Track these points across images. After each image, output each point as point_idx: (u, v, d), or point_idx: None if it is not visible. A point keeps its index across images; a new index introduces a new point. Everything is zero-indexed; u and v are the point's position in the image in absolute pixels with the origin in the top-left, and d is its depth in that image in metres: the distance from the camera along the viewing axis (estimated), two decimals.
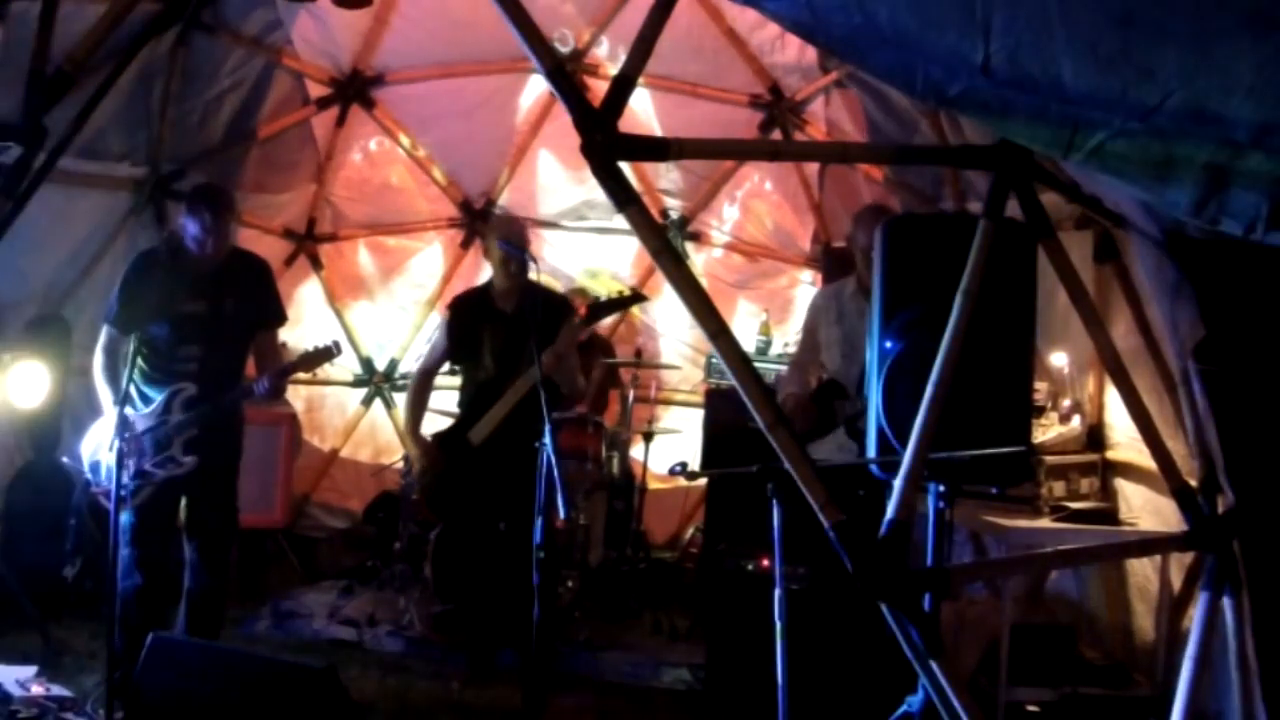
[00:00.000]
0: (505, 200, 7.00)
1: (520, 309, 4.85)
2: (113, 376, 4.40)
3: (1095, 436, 4.59)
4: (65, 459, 5.43)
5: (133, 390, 4.37)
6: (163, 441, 4.34)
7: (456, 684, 4.94)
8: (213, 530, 4.50)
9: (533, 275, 4.69)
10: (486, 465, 4.85)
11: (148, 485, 4.34)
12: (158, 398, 4.37)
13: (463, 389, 5.12)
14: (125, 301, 4.39)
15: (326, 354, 4.66)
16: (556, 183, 6.85)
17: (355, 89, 6.32)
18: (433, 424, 5.32)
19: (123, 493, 4.24)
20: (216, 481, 4.50)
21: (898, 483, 2.69)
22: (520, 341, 4.72)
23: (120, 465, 3.93)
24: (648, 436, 6.37)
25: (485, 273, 7.04)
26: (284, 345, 4.80)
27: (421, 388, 5.16)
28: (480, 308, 5.01)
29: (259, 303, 4.59)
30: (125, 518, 4.35)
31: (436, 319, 7.18)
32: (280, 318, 4.71)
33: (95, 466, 4.43)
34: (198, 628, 4.46)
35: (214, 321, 4.42)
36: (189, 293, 4.37)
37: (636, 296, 5.02)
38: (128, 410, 4.24)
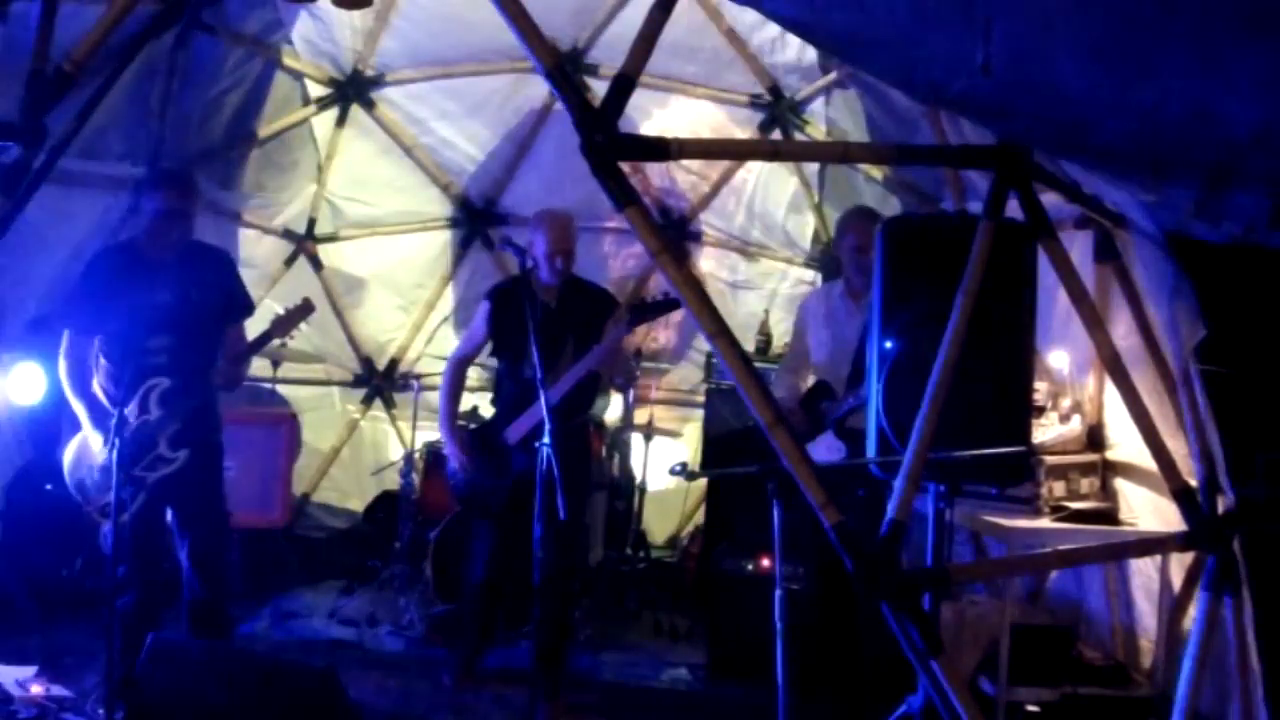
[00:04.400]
0: (505, 200, 7.00)
1: (561, 302, 4.79)
2: (83, 385, 4.27)
3: (1095, 436, 4.59)
4: (49, 486, 5.30)
5: (101, 395, 4.28)
6: (147, 442, 4.19)
7: (448, 682, 4.94)
8: (205, 534, 4.39)
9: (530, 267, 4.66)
10: (523, 465, 4.78)
11: (140, 492, 4.21)
12: (130, 398, 4.17)
13: (499, 384, 5.04)
14: (87, 300, 4.25)
15: (301, 313, 4.57)
16: (556, 183, 6.85)
17: (355, 89, 6.32)
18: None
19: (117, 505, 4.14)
20: (202, 482, 4.38)
21: (898, 482, 2.70)
22: (562, 336, 4.68)
23: (121, 466, 3.82)
24: (648, 436, 6.38)
25: (486, 273, 7.06)
26: (284, 346, 4.76)
27: (456, 378, 5.03)
28: (522, 299, 4.92)
29: (226, 294, 4.48)
30: (115, 530, 4.21)
31: (437, 319, 7.19)
32: (248, 309, 4.61)
33: (80, 484, 4.30)
34: (203, 629, 4.40)
35: (182, 310, 4.28)
36: (153, 282, 4.25)
37: (674, 302, 4.97)
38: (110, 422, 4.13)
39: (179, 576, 4.45)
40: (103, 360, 4.29)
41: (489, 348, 5.01)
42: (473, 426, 5.18)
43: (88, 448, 4.30)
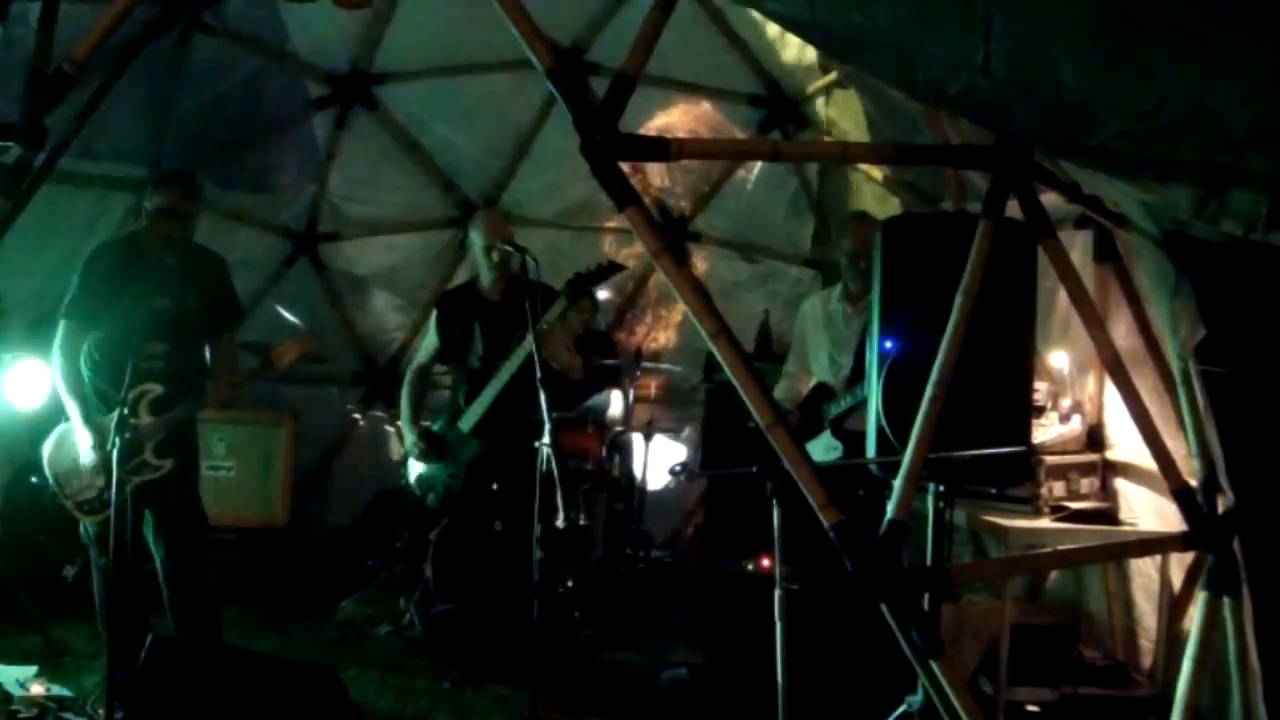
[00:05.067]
0: (505, 200, 7.00)
1: (506, 299, 4.87)
2: (73, 378, 4.26)
3: (1095, 436, 4.59)
4: (34, 479, 5.30)
5: (91, 392, 4.28)
6: (133, 446, 4.11)
7: (448, 684, 4.94)
8: (183, 532, 4.39)
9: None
10: (480, 457, 4.85)
11: (120, 495, 4.07)
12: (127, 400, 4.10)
13: (453, 385, 5.14)
14: (87, 294, 4.25)
15: (307, 347, 4.55)
16: (556, 183, 6.85)
17: (355, 89, 6.31)
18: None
19: (97, 503, 4.16)
20: (181, 484, 4.38)
21: (898, 483, 2.70)
22: (509, 328, 4.75)
23: (121, 464, 3.79)
24: (648, 436, 6.37)
25: None
26: (261, 354, 4.73)
27: (417, 384, 5.19)
28: (469, 301, 5.03)
29: (220, 301, 4.49)
30: (94, 529, 4.26)
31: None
32: (239, 317, 4.64)
33: (59, 478, 4.29)
34: (190, 631, 4.39)
35: (179, 318, 4.29)
36: (152, 287, 4.23)
37: (615, 266, 5.01)
38: (102, 419, 4.16)
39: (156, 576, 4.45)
40: (97, 357, 4.29)
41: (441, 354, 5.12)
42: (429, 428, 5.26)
43: (69, 441, 4.28)
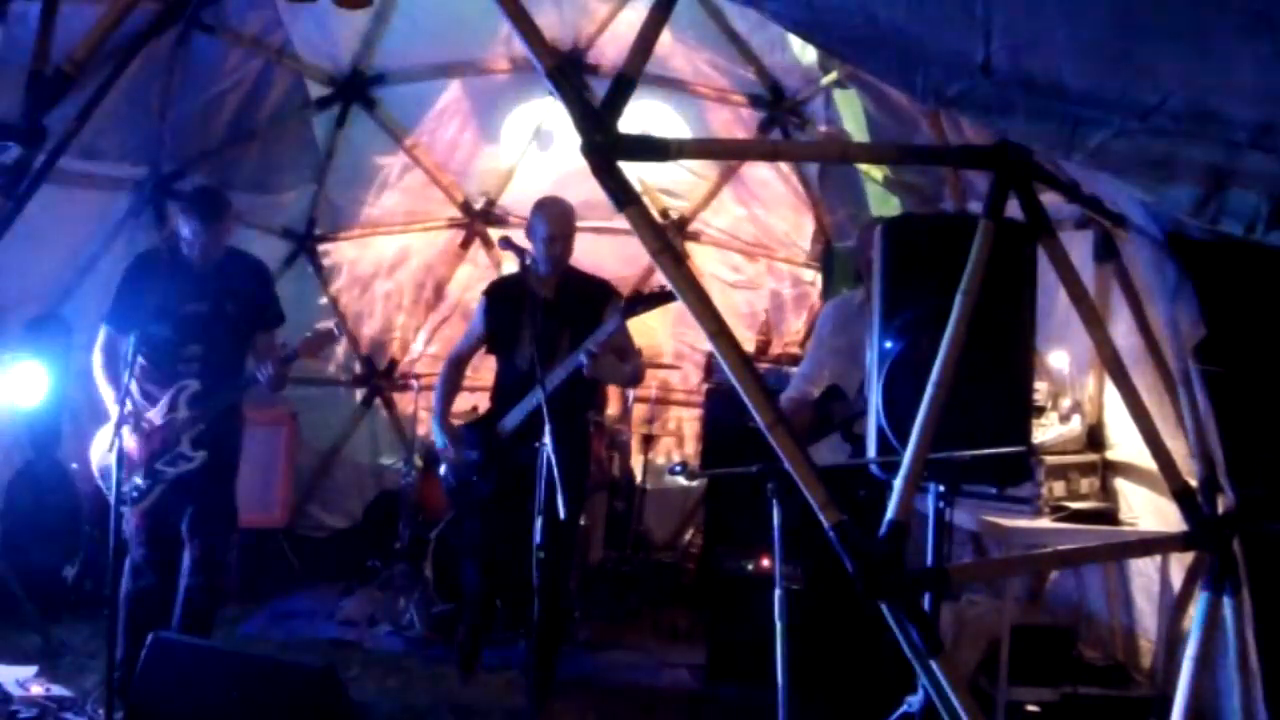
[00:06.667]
0: (505, 200, 7.00)
1: (559, 295, 4.77)
2: (114, 376, 4.42)
3: (1095, 436, 4.59)
4: (75, 465, 5.43)
5: (135, 390, 4.38)
6: (171, 439, 4.38)
7: (448, 684, 4.94)
8: (213, 530, 4.52)
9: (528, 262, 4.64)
10: (516, 456, 4.77)
11: (159, 485, 4.38)
12: (162, 396, 4.40)
13: (497, 377, 5.03)
14: (125, 301, 4.43)
15: (328, 337, 4.70)
16: (556, 183, 6.84)
17: (355, 89, 6.31)
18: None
19: (135, 494, 4.33)
20: (218, 480, 4.53)
21: (898, 483, 2.69)
22: (559, 330, 4.64)
23: (120, 465, 3.95)
24: (647, 438, 6.37)
25: (484, 272, 7.07)
26: (283, 345, 4.78)
27: (453, 375, 5.04)
28: (519, 293, 4.88)
29: (259, 305, 4.63)
30: (134, 519, 4.39)
31: (437, 319, 7.19)
32: (279, 319, 4.74)
33: (106, 472, 4.38)
34: (192, 626, 4.45)
35: (216, 321, 4.46)
36: (190, 293, 4.42)
37: (668, 294, 4.93)
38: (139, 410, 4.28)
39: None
40: (141, 360, 4.38)
41: (485, 345, 5.00)
42: (466, 421, 5.19)
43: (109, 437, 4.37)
